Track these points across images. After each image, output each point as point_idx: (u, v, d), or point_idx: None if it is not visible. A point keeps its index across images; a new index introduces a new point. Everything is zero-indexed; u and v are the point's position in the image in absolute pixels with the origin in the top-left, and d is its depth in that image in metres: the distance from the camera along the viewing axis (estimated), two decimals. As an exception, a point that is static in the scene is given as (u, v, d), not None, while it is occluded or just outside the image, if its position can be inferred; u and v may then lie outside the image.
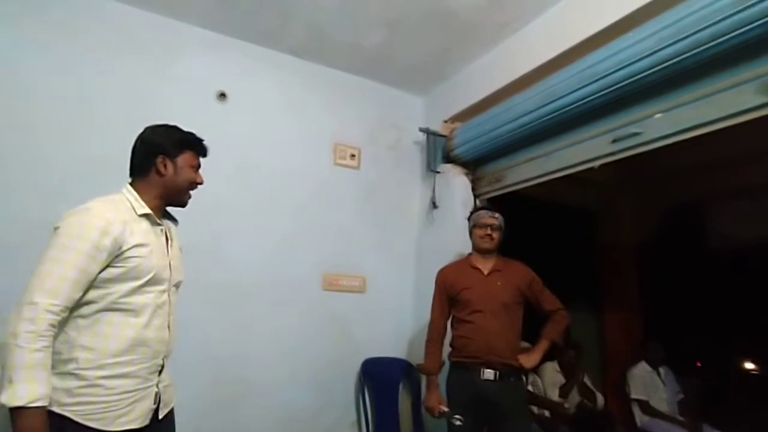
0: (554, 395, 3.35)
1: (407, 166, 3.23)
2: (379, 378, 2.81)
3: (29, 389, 1.07)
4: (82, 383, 1.21)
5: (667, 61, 1.82)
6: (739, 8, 1.59)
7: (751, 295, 3.44)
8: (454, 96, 3.07)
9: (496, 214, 2.28)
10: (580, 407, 3.43)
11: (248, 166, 2.66)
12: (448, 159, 3.05)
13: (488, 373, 2.04)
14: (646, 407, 3.50)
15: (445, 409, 2.06)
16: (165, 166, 1.43)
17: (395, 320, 3.00)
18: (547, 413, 3.21)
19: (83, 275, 1.20)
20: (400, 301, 3.04)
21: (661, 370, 3.65)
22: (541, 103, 2.34)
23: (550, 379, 3.44)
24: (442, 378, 2.26)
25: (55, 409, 1.17)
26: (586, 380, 3.55)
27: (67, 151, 2.24)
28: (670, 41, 1.78)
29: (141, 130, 1.51)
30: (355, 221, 2.96)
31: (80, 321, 1.24)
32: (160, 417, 1.38)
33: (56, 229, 1.25)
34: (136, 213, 1.36)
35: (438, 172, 3.05)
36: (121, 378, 1.26)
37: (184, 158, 1.47)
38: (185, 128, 1.56)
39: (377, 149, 3.15)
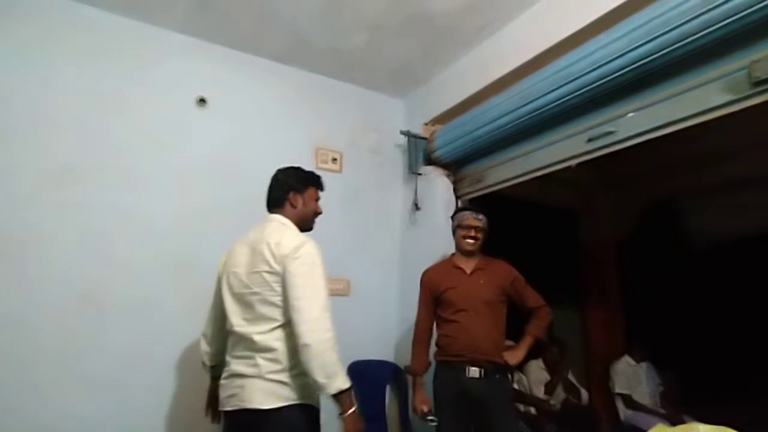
0: (539, 392, 3.39)
1: (389, 168, 3.25)
2: (366, 380, 2.80)
3: (346, 377, 1.53)
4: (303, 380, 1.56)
5: (638, 61, 1.88)
6: (705, 9, 1.65)
7: (729, 289, 3.53)
8: (434, 98, 3.11)
9: (480, 216, 2.30)
10: (565, 403, 3.47)
11: (229, 172, 2.65)
12: (430, 161, 3.08)
13: (473, 371, 2.06)
14: (629, 401, 3.57)
15: (426, 409, 2.07)
16: (296, 199, 1.80)
17: (381, 322, 3.00)
18: (533, 410, 3.25)
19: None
20: (385, 303, 3.05)
21: (643, 364, 3.73)
22: (519, 104, 2.39)
23: (535, 377, 3.48)
24: (429, 378, 2.27)
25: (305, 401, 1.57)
26: (571, 377, 3.61)
27: (44, 157, 2.21)
28: (641, 42, 1.84)
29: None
30: (339, 225, 2.96)
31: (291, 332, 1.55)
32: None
33: (296, 258, 1.58)
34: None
35: (420, 174, 3.08)
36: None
37: (309, 193, 1.85)
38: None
39: (359, 153, 3.16)
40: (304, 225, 1.83)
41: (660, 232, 4.05)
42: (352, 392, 1.54)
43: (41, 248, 2.13)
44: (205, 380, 2.29)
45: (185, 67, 2.63)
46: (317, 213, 1.88)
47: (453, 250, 2.43)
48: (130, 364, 2.21)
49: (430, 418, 2.04)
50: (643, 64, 1.88)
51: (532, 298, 2.27)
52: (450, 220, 2.47)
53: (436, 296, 2.24)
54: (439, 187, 3.00)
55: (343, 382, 1.50)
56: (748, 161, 3.40)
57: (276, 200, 1.82)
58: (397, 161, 3.30)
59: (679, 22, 1.73)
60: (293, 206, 1.80)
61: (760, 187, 3.42)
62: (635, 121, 1.99)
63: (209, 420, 1.91)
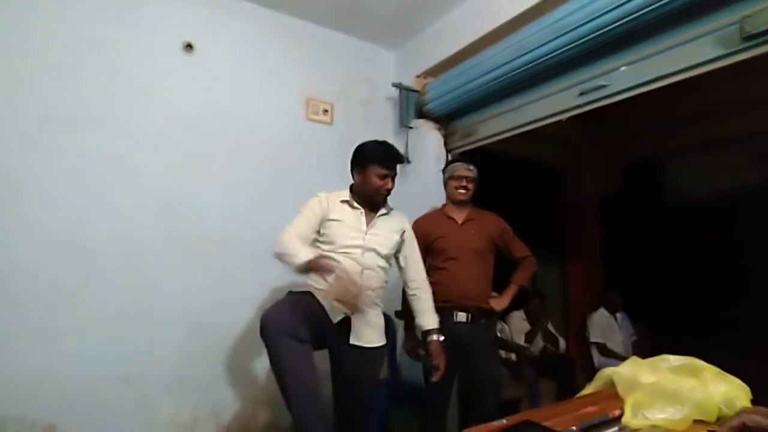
0: (520, 341, 3.57)
1: (380, 121, 3.23)
2: (356, 328, 2.90)
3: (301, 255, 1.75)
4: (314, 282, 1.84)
5: (632, 14, 1.89)
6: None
7: (703, 245, 3.69)
8: (427, 50, 3.06)
9: (471, 167, 2.34)
10: (543, 351, 3.67)
11: (217, 120, 2.60)
12: (421, 114, 3.07)
13: (461, 316, 2.16)
14: (603, 349, 3.78)
15: (422, 351, 2.17)
16: (358, 176, 1.98)
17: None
18: (513, 356, 3.42)
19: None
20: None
21: (618, 315, 3.92)
22: (512, 56, 2.38)
23: (517, 327, 3.65)
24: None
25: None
26: (550, 327, 3.79)
27: (24, 103, 2.14)
28: (637, -7, 1.83)
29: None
30: (330, 176, 2.94)
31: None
32: (351, 342, 1.84)
33: None
34: (339, 200, 1.97)
35: (411, 128, 3.07)
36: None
37: (370, 169, 1.94)
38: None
39: (350, 105, 3.12)
40: (369, 200, 1.98)
41: (640, 190, 4.17)
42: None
43: (23, 194, 2.10)
44: (195, 322, 2.38)
45: (172, 11, 2.52)
46: (381, 190, 1.96)
47: (442, 203, 2.47)
48: (123, 308, 2.25)
49: (425, 355, 2.13)
50: (637, 17, 1.88)
51: (519, 249, 2.35)
52: (441, 174, 2.50)
53: (427, 245, 2.30)
54: (429, 141, 3.01)
55: (297, 259, 1.74)
56: (726, 123, 3.49)
57: (351, 174, 2.03)
58: (388, 114, 3.27)
59: (675, -25, 1.72)
60: (356, 182, 2.00)
61: (735, 148, 3.53)
62: (627, 75, 2.02)
63: (199, 360, 2.21)
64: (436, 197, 2.65)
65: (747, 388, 1.05)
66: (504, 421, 0.87)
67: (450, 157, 2.93)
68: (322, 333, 1.80)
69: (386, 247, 1.97)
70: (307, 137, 2.90)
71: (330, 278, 1.67)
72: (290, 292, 1.91)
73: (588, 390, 1.21)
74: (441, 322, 2.18)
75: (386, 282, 2.01)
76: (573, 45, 2.12)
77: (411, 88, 3.09)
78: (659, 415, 0.96)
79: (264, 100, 2.79)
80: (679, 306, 3.67)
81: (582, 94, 2.18)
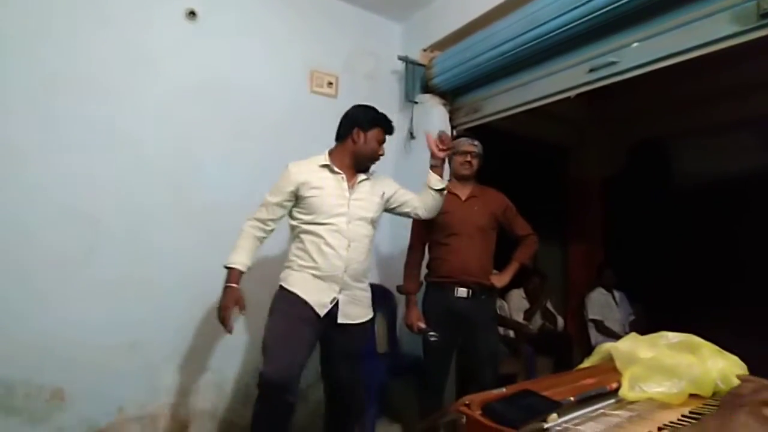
0: (519, 319, 3.61)
1: (385, 95, 3.18)
2: (357, 302, 2.94)
3: (230, 258, 1.85)
4: (294, 271, 1.86)
5: (647, -14, 1.83)
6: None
7: (709, 227, 3.69)
8: (434, 23, 3.00)
9: (476, 142, 2.32)
10: (542, 329, 3.72)
11: (220, 89, 2.58)
12: (427, 89, 3.03)
13: (461, 291, 2.17)
14: (600, 327, 3.82)
15: (423, 325, 2.19)
16: (359, 136, 1.90)
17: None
18: (511, 333, 3.47)
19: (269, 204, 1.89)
20: (377, 229, 3.11)
21: (616, 294, 3.96)
22: (522, 30, 2.33)
23: (516, 304, 3.68)
24: (419, 298, 2.39)
25: (280, 283, 1.87)
26: (549, 305, 3.83)
27: (23, 70, 2.11)
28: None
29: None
30: (333, 150, 2.95)
31: (295, 240, 1.90)
32: (339, 322, 1.83)
33: None
34: (318, 165, 1.89)
35: (416, 103, 3.04)
36: (312, 275, 1.82)
37: (373, 133, 1.91)
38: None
39: (354, 78, 3.07)
40: (360, 163, 1.93)
41: (644, 171, 4.15)
42: (236, 272, 1.83)
43: (27, 161, 2.09)
44: (198, 291, 2.39)
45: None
46: (376, 155, 1.94)
47: (446, 180, 2.46)
48: (128, 276, 2.27)
49: (432, 333, 2.15)
50: (653, -11, 1.83)
51: (522, 227, 2.35)
52: (445, 150, 2.48)
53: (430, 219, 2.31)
54: (435, 117, 2.98)
55: (226, 261, 1.84)
56: (734, 105, 3.45)
57: (341, 134, 1.95)
58: (393, 88, 3.23)
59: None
60: (354, 142, 1.91)
61: (741, 130, 3.49)
62: (639, 52, 1.97)
63: (202, 328, 2.34)
64: (440, 173, 2.63)
65: (744, 365, 1.06)
66: (504, 389, 0.88)
67: (455, 134, 2.90)
68: (314, 331, 1.82)
69: (371, 211, 1.93)
70: (310, 110, 2.87)
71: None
72: (281, 288, 1.88)
73: (586, 364, 1.23)
74: (441, 297, 2.21)
75: (370, 251, 1.98)
76: (584, 19, 2.07)
77: (417, 62, 3.04)
78: (656, 388, 0.98)
79: (268, 70, 2.75)
80: (679, 286, 3.70)
81: (592, 70, 2.14)
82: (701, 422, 0.62)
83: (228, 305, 1.78)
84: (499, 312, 3.44)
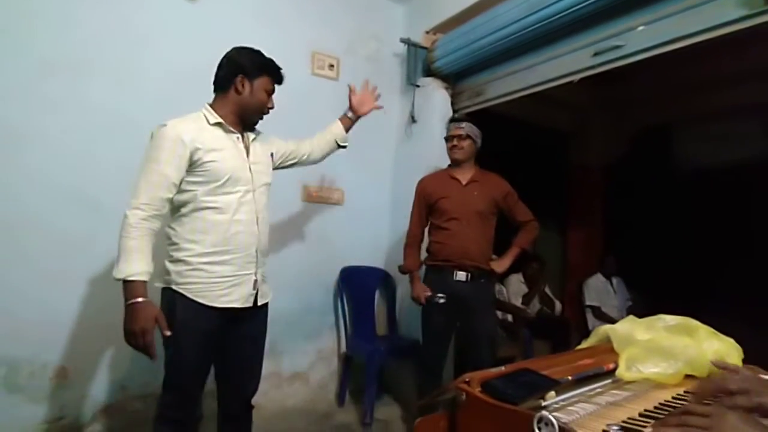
0: (518, 303, 3.63)
1: (386, 78, 3.16)
2: (357, 285, 2.97)
3: (125, 267, 1.37)
4: (189, 267, 1.49)
5: (654, -31, 1.81)
6: None
7: (710, 215, 3.70)
8: (437, 5, 2.96)
9: (463, 124, 2.30)
10: (539, 313, 3.75)
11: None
12: (429, 72, 3.00)
13: (461, 275, 2.19)
14: (598, 312, 3.86)
15: (429, 293, 2.21)
16: (243, 85, 1.61)
17: (372, 231, 3.10)
18: (509, 318, 3.50)
19: (164, 178, 1.45)
20: (377, 213, 3.12)
21: (614, 280, 3.98)
22: (526, 12, 2.30)
23: (515, 289, 3.71)
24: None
25: (172, 286, 1.49)
26: (547, 290, 3.85)
27: (19, 51, 2.08)
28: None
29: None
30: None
31: (183, 219, 1.52)
32: (259, 303, 1.63)
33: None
34: (208, 123, 1.57)
35: (418, 86, 3.02)
36: (218, 264, 1.51)
37: (261, 82, 1.64)
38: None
39: (356, 60, 3.05)
40: (247, 117, 1.65)
41: (645, 157, 4.13)
42: (139, 284, 1.39)
43: (26, 144, 2.08)
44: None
45: (173, -47, 2.42)
46: (264, 107, 1.67)
47: (447, 164, 2.46)
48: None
49: (439, 296, 2.17)
50: (659, -27, 1.81)
51: (522, 213, 2.35)
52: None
53: (430, 204, 2.31)
54: (436, 100, 2.96)
55: (117, 271, 1.38)
56: (737, 91, 3.43)
57: (221, 82, 1.63)
58: (395, 71, 3.20)
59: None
60: (238, 92, 1.61)
61: (744, 117, 3.47)
62: (644, 36, 1.95)
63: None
64: (440, 158, 2.62)
65: (739, 348, 1.08)
66: (503, 368, 0.90)
67: (450, 118, 2.88)
68: (221, 333, 1.56)
69: (269, 175, 1.72)
70: (312, 92, 2.85)
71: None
72: (171, 291, 1.50)
73: (584, 345, 1.25)
74: (440, 281, 2.22)
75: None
76: (589, 2, 2.04)
77: (419, 45, 3.01)
78: (652, 369, 0.99)
79: (268, 52, 2.68)
80: (677, 273, 3.72)
81: (596, 54, 2.12)
82: (686, 419, 0.62)
83: (147, 328, 1.37)
84: (497, 296, 3.47)
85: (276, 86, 1.73)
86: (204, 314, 1.49)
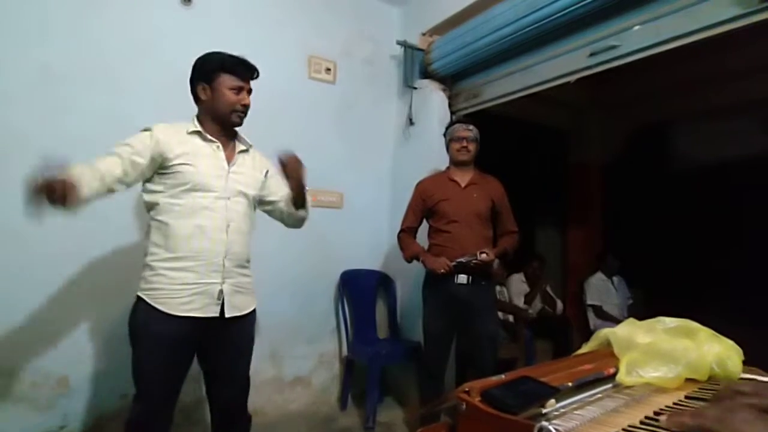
0: (519, 303, 3.63)
1: (383, 81, 3.17)
2: (357, 288, 2.97)
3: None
4: (152, 272, 1.49)
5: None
6: None
7: (707, 212, 3.69)
8: (433, 6, 2.96)
9: (471, 126, 2.31)
10: (541, 313, 3.75)
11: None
12: (426, 74, 3.00)
13: (461, 278, 2.18)
14: (599, 312, 3.85)
15: (448, 261, 2.14)
16: (204, 91, 1.59)
17: (372, 234, 3.10)
18: (510, 318, 3.50)
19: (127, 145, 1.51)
20: (376, 216, 3.12)
21: (615, 279, 3.98)
22: (522, 13, 2.30)
23: (516, 289, 3.71)
24: (417, 285, 2.41)
25: (138, 292, 1.51)
26: (548, 289, 3.85)
27: (20, 57, 2.09)
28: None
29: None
30: (332, 137, 2.94)
31: (153, 223, 1.54)
32: (227, 315, 1.54)
33: None
34: (187, 132, 1.57)
35: (415, 88, 3.02)
36: (181, 271, 1.48)
37: (219, 82, 1.57)
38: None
39: (353, 63, 3.05)
40: (224, 121, 1.61)
41: (643, 156, 4.14)
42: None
43: (30, 150, 2.08)
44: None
45: (168, -41, 2.42)
46: (234, 105, 1.59)
47: (446, 166, 2.46)
48: (132, 265, 2.27)
49: (463, 258, 2.11)
50: (654, -27, 1.81)
51: (511, 222, 2.36)
52: (443, 138, 2.47)
53: (429, 206, 2.31)
54: (434, 102, 2.96)
55: None
56: (733, 89, 3.43)
57: (192, 96, 1.62)
58: (392, 74, 3.20)
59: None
60: (201, 100, 1.60)
61: (741, 114, 3.48)
62: (640, 35, 1.96)
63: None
64: (439, 160, 2.63)
65: (740, 350, 1.07)
66: (503, 376, 0.89)
67: (454, 119, 2.89)
68: (193, 345, 1.54)
69: (252, 188, 1.66)
70: (308, 96, 2.86)
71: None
72: (140, 300, 1.50)
73: (584, 349, 1.24)
74: (441, 284, 2.22)
75: (250, 234, 1.67)
76: (585, 2, 2.05)
77: (416, 47, 3.01)
78: (653, 373, 0.99)
79: (265, 57, 2.65)
80: (677, 271, 3.71)
81: (592, 54, 2.13)
82: (700, 411, 0.62)
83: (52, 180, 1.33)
84: (498, 297, 3.47)
85: (251, 81, 1.66)
86: (165, 321, 1.45)
